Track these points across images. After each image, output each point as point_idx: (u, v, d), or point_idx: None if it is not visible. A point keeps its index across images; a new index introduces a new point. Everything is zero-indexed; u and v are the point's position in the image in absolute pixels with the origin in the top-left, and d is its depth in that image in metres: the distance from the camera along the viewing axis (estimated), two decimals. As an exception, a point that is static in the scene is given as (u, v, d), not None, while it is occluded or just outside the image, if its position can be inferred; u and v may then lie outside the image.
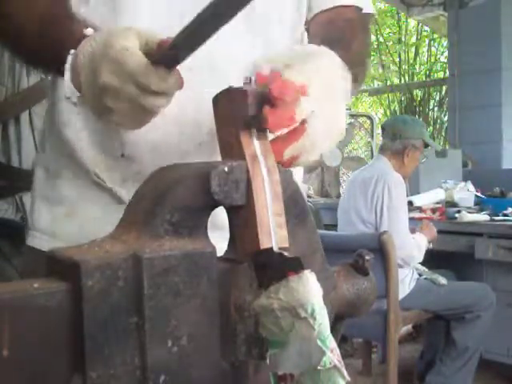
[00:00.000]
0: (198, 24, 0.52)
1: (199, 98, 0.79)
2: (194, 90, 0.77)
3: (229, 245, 0.54)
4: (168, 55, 0.62)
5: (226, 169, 0.50)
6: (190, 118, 0.83)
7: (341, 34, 0.90)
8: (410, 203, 3.35)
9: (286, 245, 0.52)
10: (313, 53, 0.66)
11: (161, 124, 0.78)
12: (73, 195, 0.90)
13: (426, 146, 3.14)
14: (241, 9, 0.49)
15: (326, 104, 0.63)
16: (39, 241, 0.93)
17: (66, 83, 0.73)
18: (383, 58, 8.07)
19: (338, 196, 4.22)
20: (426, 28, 7.56)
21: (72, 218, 0.90)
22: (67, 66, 0.73)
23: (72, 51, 0.73)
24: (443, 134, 7.02)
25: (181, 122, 0.83)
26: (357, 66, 0.84)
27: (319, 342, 0.46)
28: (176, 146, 0.83)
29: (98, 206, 0.88)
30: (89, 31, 0.75)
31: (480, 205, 3.76)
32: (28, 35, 0.83)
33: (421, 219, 3.40)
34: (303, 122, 0.60)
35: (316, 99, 0.60)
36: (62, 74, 0.74)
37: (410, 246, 2.79)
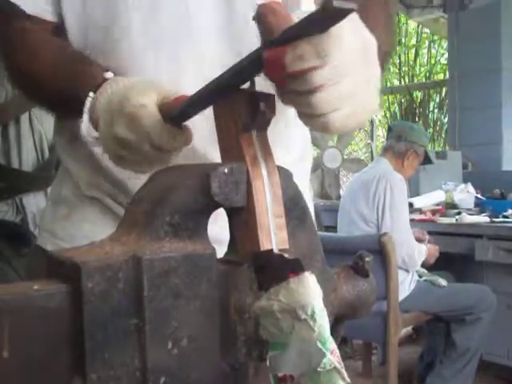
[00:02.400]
0: (217, 84, 0.55)
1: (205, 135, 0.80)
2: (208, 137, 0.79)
3: (229, 246, 0.54)
4: (181, 111, 0.64)
5: (226, 170, 0.50)
6: (200, 155, 0.84)
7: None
8: (410, 205, 3.36)
9: (286, 246, 0.52)
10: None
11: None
12: (72, 198, 0.94)
13: (425, 159, 3.18)
14: (256, 74, 0.52)
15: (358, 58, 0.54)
16: (43, 239, 0.97)
17: (85, 125, 0.76)
18: (383, 59, 8.05)
19: (338, 198, 4.22)
20: (426, 30, 7.56)
21: (70, 219, 0.93)
22: (86, 109, 0.75)
23: (91, 94, 0.76)
24: (443, 135, 7.03)
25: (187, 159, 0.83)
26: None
27: (319, 344, 0.46)
28: None
29: (95, 211, 0.91)
30: (109, 74, 0.78)
31: (480, 206, 3.76)
32: (44, 82, 0.85)
33: (421, 221, 3.41)
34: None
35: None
36: (78, 114, 0.77)
37: (412, 246, 2.80)
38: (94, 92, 0.76)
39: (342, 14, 0.45)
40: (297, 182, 0.57)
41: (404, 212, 2.88)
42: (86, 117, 0.76)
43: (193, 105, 0.62)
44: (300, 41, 0.48)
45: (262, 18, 0.51)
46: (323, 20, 0.46)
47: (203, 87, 0.57)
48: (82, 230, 0.90)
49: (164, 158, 0.69)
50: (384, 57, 0.84)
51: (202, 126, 0.78)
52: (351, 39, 0.51)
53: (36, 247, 0.99)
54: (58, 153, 0.98)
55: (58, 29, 0.90)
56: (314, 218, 1.04)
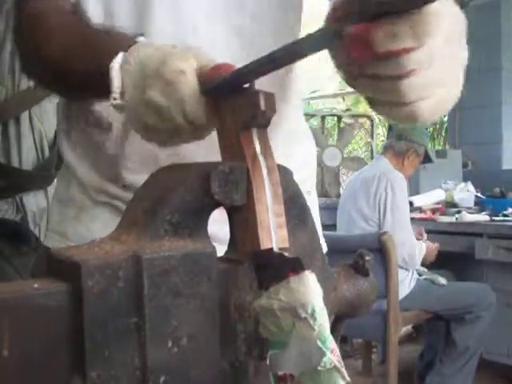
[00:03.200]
0: (265, 61, 0.50)
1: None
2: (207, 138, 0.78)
3: (229, 245, 0.54)
4: (220, 84, 0.58)
5: (226, 169, 0.50)
6: (200, 157, 0.82)
7: None
8: (410, 203, 3.36)
9: (286, 245, 0.52)
10: None
11: (165, 160, 0.79)
12: (81, 198, 0.93)
13: (425, 158, 3.19)
14: (306, 56, 0.47)
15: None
16: (52, 241, 0.96)
17: (115, 86, 0.66)
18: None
19: (338, 196, 4.22)
20: (426, 28, 7.55)
21: (79, 219, 0.92)
22: (115, 65, 0.66)
23: (120, 54, 0.66)
24: (443, 134, 7.03)
25: (185, 160, 0.82)
26: None
27: (319, 343, 0.46)
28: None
29: (104, 212, 0.91)
30: (142, 39, 0.71)
31: (480, 205, 3.77)
32: (65, 62, 0.77)
33: (421, 219, 3.41)
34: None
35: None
36: (101, 91, 0.68)
37: (413, 244, 2.82)
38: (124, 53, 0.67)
39: None
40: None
41: (405, 211, 2.88)
42: (115, 74, 0.66)
43: (236, 77, 0.56)
44: (395, 17, 0.42)
45: None
46: None
47: (253, 61, 0.52)
48: (92, 231, 0.88)
49: (196, 134, 0.64)
50: None
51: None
52: (449, 21, 0.46)
53: (44, 249, 0.97)
54: (63, 155, 0.95)
55: (76, 7, 0.84)
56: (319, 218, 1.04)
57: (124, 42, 0.68)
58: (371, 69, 0.46)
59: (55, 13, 0.81)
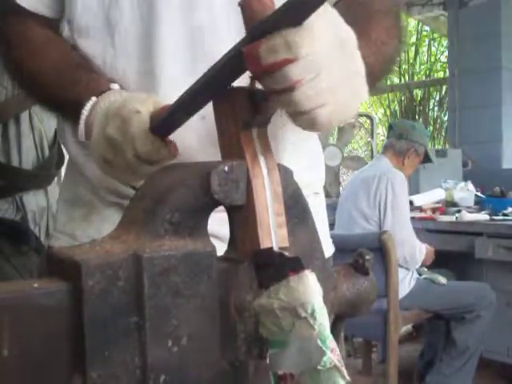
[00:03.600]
0: (191, 94, 0.55)
1: (211, 146, 0.79)
2: (206, 139, 0.80)
3: (229, 244, 0.54)
4: (166, 121, 0.64)
5: (226, 168, 0.50)
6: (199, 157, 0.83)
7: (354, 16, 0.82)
8: (410, 203, 3.36)
9: (286, 244, 0.52)
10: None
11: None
12: (90, 199, 0.93)
13: (425, 158, 3.19)
14: (234, 79, 0.51)
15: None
16: (59, 242, 0.96)
17: (80, 126, 0.77)
18: (383, 57, 8.04)
19: (338, 195, 4.22)
20: (426, 27, 7.56)
21: (89, 220, 0.93)
22: (84, 111, 0.77)
23: (93, 98, 0.78)
24: (443, 133, 7.03)
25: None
26: (381, 52, 0.78)
27: (319, 342, 0.46)
28: None
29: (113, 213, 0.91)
30: (114, 86, 0.81)
31: (480, 204, 3.77)
32: (44, 81, 0.87)
33: (421, 219, 3.41)
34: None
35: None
36: (76, 117, 0.79)
37: (413, 244, 2.82)
38: (97, 97, 0.78)
39: (314, 5, 0.45)
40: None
41: (405, 210, 2.89)
42: (83, 118, 0.77)
43: (174, 113, 0.62)
44: (273, 33, 0.47)
45: (247, 8, 0.49)
46: (295, 12, 0.46)
47: (184, 92, 0.57)
48: (101, 232, 0.89)
49: (145, 170, 0.70)
50: (388, 59, 0.82)
51: (199, 127, 0.78)
52: (326, 32, 0.50)
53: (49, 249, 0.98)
54: (70, 155, 0.96)
55: (57, 26, 0.90)
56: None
57: (99, 87, 0.79)
58: (269, 84, 0.50)
59: (39, 34, 0.90)
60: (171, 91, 0.74)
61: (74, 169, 0.97)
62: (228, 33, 0.82)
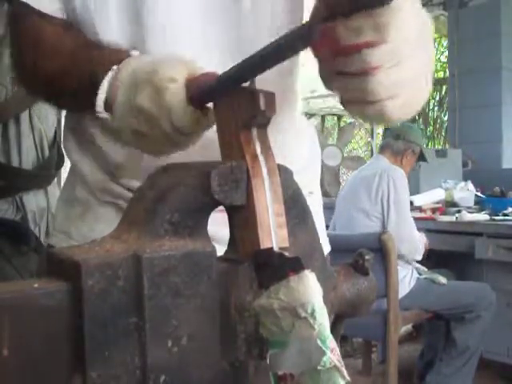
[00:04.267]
0: (245, 66, 0.52)
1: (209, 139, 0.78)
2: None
3: (229, 245, 0.54)
4: (206, 91, 0.60)
5: (227, 169, 0.50)
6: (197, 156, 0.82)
7: None
8: (410, 203, 3.37)
9: (286, 245, 0.52)
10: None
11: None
12: (86, 198, 0.94)
13: (419, 157, 3.23)
14: (289, 56, 0.48)
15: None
16: (56, 240, 0.97)
17: (100, 96, 0.69)
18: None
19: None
20: (426, 28, 7.54)
21: (84, 219, 0.93)
22: (105, 80, 0.69)
23: (114, 67, 0.69)
24: (443, 133, 7.03)
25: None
26: None
27: (319, 342, 0.46)
28: None
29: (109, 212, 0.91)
30: (135, 52, 0.73)
31: (480, 204, 3.77)
32: (61, 76, 0.80)
33: (421, 219, 3.41)
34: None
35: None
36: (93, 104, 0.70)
37: (417, 238, 2.84)
38: (117, 65, 0.70)
39: None
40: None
41: (407, 206, 2.93)
42: (104, 86, 0.69)
43: (220, 84, 0.57)
44: (359, 12, 0.42)
45: None
46: None
47: (234, 66, 0.54)
48: (95, 230, 0.89)
49: (183, 141, 0.65)
50: None
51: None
52: (413, 16, 0.46)
53: (49, 248, 0.98)
54: (69, 154, 0.96)
55: (70, 25, 0.86)
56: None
57: (117, 56, 0.71)
58: (340, 66, 0.46)
59: (52, 33, 0.84)
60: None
61: (72, 169, 0.98)
62: None
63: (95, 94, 0.70)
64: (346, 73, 0.46)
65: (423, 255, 2.96)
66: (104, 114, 0.69)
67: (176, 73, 0.62)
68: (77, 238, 0.92)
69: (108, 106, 0.69)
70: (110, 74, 0.69)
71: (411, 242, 2.82)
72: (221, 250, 0.53)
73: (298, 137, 0.96)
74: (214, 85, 0.58)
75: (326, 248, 1.04)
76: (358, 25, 0.43)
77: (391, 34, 0.43)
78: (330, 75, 0.48)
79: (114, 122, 0.68)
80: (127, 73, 0.67)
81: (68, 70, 0.79)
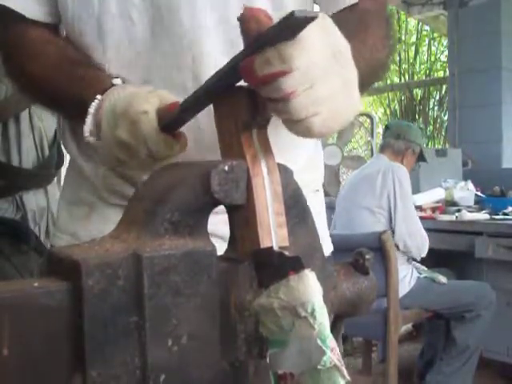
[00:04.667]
0: (204, 91, 0.57)
1: (207, 136, 0.80)
2: (204, 130, 0.81)
3: (229, 244, 0.54)
4: (176, 118, 0.66)
5: (226, 168, 0.50)
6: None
7: (352, 25, 0.83)
8: (411, 202, 3.38)
9: (286, 244, 0.52)
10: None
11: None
12: (92, 199, 0.94)
13: (419, 157, 3.24)
14: (237, 80, 0.54)
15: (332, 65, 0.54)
16: (61, 241, 0.96)
17: (87, 126, 0.76)
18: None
19: (338, 195, 4.22)
20: (426, 27, 7.56)
21: (91, 219, 0.93)
22: (91, 110, 0.76)
23: (98, 97, 0.77)
24: (443, 133, 7.03)
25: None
26: (377, 56, 0.81)
27: (319, 342, 0.46)
28: None
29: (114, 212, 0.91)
30: (117, 81, 0.81)
31: (480, 204, 3.77)
32: (46, 82, 0.86)
33: (421, 218, 3.41)
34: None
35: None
36: (80, 116, 0.77)
37: (423, 233, 2.86)
38: (101, 95, 0.77)
39: (305, 21, 0.48)
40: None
41: (412, 202, 2.94)
42: (90, 118, 0.77)
43: (183, 112, 0.64)
44: (267, 47, 0.50)
45: (244, 24, 0.52)
46: (289, 27, 0.48)
47: (191, 94, 0.59)
48: (103, 232, 0.88)
49: (159, 165, 0.69)
50: (380, 66, 0.85)
51: (197, 137, 0.79)
52: (320, 43, 0.52)
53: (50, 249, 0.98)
54: (70, 154, 0.96)
55: (56, 29, 0.91)
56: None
57: (101, 85, 0.79)
58: (265, 93, 0.52)
59: (37, 37, 0.89)
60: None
61: (75, 169, 0.97)
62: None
63: (82, 113, 0.77)
64: (269, 99, 0.53)
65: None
66: (91, 139, 0.77)
67: (148, 104, 0.69)
68: (84, 240, 0.91)
69: (94, 132, 0.76)
70: (95, 104, 0.76)
71: (419, 238, 2.84)
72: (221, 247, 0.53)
73: (298, 137, 0.96)
74: (177, 113, 0.65)
75: (329, 248, 1.04)
76: (267, 58, 0.50)
77: (296, 62, 0.50)
78: (265, 101, 0.54)
79: (100, 149, 0.75)
80: (109, 104, 0.74)
81: (53, 80, 0.85)
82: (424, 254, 2.90)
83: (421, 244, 2.86)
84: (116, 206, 0.90)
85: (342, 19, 0.79)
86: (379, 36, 0.85)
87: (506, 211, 3.39)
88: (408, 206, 2.90)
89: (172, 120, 0.67)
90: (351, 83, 0.56)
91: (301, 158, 0.96)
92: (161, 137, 0.68)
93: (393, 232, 2.84)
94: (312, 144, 1.01)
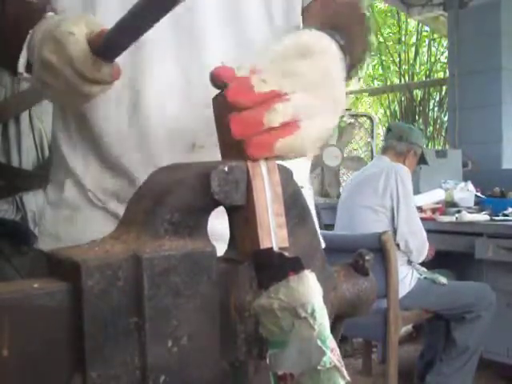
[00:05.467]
0: (129, 20, 0.57)
1: (190, 106, 0.80)
2: (189, 100, 0.81)
3: (229, 245, 0.54)
4: (107, 46, 0.66)
5: (226, 169, 0.50)
6: (182, 126, 0.83)
7: (338, 16, 0.85)
8: (411, 203, 3.38)
9: (286, 245, 0.52)
10: (303, 46, 0.57)
11: (152, 133, 0.80)
12: (75, 200, 0.91)
13: (420, 159, 3.26)
14: (171, 8, 0.53)
15: (319, 103, 0.56)
16: (44, 244, 0.94)
17: (21, 60, 0.77)
18: (383, 57, 8.08)
19: (339, 196, 4.21)
20: (426, 28, 7.56)
21: (73, 222, 0.91)
22: (25, 44, 0.77)
23: (30, 31, 0.77)
24: (443, 133, 7.03)
25: (172, 130, 0.83)
26: (359, 48, 0.82)
27: (319, 342, 0.46)
28: (166, 153, 0.83)
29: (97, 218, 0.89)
30: (49, 14, 0.80)
31: (480, 205, 3.77)
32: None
33: (421, 219, 3.41)
34: (295, 120, 0.54)
35: (305, 100, 0.55)
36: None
37: (423, 234, 2.86)
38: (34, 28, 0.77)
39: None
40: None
41: (413, 203, 2.96)
42: (23, 52, 0.77)
43: (116, 34, 0.63)
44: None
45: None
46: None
47: (125, 14, 0.58)
48: (86, 233, 0.87)
49: (88, 90, 0.70)
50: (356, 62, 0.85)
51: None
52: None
53: (38, 252, 0.96)
54: (59, 151, 0.94)
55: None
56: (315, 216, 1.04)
57: (36, 22, 0.77)
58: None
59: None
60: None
61: (60, 169, 0.95)
62: None
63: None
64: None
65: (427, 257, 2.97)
66: (25, 75, 0.77)
67: (75, 26, 0.69)
68: (66, 242, 0.87)
69: (30, 67, 0.76)
70: (28, 37, 0.76)
71: (421, 238, 2.85)
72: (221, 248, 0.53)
73: None
74: (109, 36, 0.64)
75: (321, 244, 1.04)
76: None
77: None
78: None
79: (32, 80, 0.76)
80: (39, 31, 0.74)
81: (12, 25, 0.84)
82: (423, 258, 2.90)
83: (421, 246, 2.86)
84: (100, 208, 0.89)
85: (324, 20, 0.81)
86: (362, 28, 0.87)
87: (506, 212, 3.39)
88: (410, 206, 2.90)
89: (105, 44, 0.66)
90: (334, 104, 0.57)
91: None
92: (88, 57, 0.68)
93: (395, 232, 2.84)
94: None
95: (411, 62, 7.89)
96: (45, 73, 0.71)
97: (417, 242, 2.84)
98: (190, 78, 0.83)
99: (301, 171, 1.02)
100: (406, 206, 2.88)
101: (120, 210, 0.87)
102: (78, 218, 0.91)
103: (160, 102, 0.82)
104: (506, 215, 3.35)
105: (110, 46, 0.66)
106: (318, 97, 0.55)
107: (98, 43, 0.67)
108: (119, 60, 0.72)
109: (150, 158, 0.83)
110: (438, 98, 7.35)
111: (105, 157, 0.87)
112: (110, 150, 0.86)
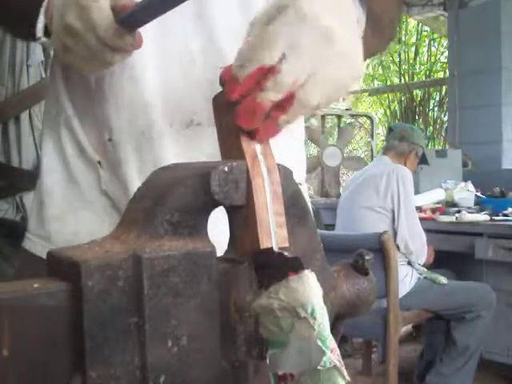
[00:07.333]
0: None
1: (188, 80, 0.80)
2: (186, 76, 0.80)
3: (229, 245, 0.54)
4: (132, 18, 0.67)
5: (226, 169, 0.50)
6: (179, 103, 0.82)
7: None
8: (411, 203, 3.38)
9: (286, 245, 0.52)
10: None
11: (148, 111, 0.79)
12: (66, 196, 0.88)
13: (421, 159, 3.27)
14: None
15: (319, 54, 0.54)
16: (32, 244, 0.91)
17: (39, 24, 0.76)
18: (383, 58, 8.08)
19: (338, 196, 4.22)
20: (426, 28, 7.57)
21: (64, 221, 0.87)
22: (42, 9, 0.76)
23: None
24: (443, 134, 7.03)
25: (168, 107, 0.82)
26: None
27: (319, 342, 0.46)
28: (163, 132, 0.81)
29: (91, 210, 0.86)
30: None
31: (480, 205, 3.77)
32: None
33: (421, 219, 3.41)
34: (291, 90, 0.53)
35: (300, 59, 0.53)
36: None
37: (423, 236, 2.87)
38: None
39: None
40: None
41: (413, 205, 2.96)
42: (41, 17, 0.77)
43: (143, 8, 0.64)
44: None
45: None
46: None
47: None
48: (78, 234, 0.84)
49: (110, 57, 0.71)
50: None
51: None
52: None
53: (24, 252, 0.91)
54: (46, 141, 0.90)
55: None
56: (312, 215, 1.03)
57: None
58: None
59: None
60: None
61: (44, 161, 0.91)
62: None
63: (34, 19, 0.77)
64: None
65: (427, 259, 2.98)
66: (43, 39, 0.76)
67: None
68: (57, 242, 0.86)
69: (48, 32, 0.76)
70: (45, 3, 0.76)
71: (420, 240, 2.86)
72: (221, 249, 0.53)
73: (292, 135, 0.96)
74: (134, 9, 0.66)
75: None
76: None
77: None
78: None
79: (51, 44, 0.75)
80: (60, 0, 0.73)
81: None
82: (422, 261, 2.91)
83: (420, 248, 2.86)
84: (92, 207, 0.85)
85: None
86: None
87: (506, 212, 3.39)
88: (410, 208, 2.91)
89: (128, 15, 0.67)
90: (354, 43, 0.56)
91: (293, 156, 0.95)
92: (113, 25, 0.68)
93: (395, 233, 2.84)
94: (296, 136, 1.00)
95: (411, 61, 7.90)
96: (67, 37, 0.71)
97: (416, 245, 2.84)
98: (193, 54, 0.81)
99: (301, 168, 1.02)
100: (406, 209, 2.88)
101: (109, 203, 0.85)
102: (68, 217, 0.87)
103: (163, 74, 0.81)
104: (506, 215, 3.35)
105: (133, 16, 0.67)
106: (313, 48, 0.53)
107: (121, 14, 0.68)
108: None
109: (149, 128, 0.81)
110: (437, 98, 7.36)
111: (102, 135, 0.84)
112: (109, 120, 0.83)
